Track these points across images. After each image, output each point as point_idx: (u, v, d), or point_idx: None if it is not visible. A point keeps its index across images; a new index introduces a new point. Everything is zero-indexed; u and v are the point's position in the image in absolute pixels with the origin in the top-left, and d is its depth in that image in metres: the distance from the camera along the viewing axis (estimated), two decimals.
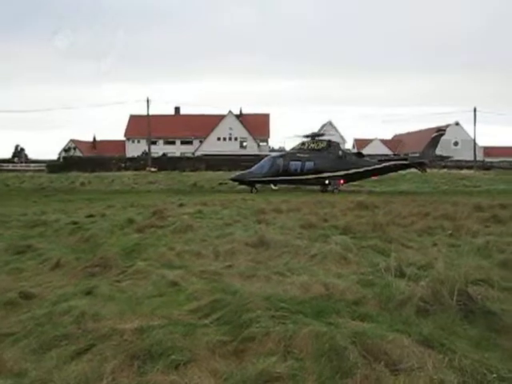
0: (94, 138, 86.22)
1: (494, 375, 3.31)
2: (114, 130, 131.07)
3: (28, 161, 74.17)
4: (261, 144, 79.65)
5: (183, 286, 5.93)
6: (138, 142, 78.62)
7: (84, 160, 64.37)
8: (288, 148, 34.65)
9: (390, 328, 4.07)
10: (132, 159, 65.55)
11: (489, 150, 79.29)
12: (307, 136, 29.67)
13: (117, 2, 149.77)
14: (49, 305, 5.18)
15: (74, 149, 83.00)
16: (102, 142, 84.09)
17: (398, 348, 3.67)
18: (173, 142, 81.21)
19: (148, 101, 60.21)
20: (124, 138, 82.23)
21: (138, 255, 7.96)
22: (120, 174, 44.48)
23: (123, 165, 59.91)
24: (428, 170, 33.47)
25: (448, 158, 35.37)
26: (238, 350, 3.90)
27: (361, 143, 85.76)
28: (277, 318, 4.22)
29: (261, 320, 4.17)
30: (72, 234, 10.35)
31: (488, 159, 71.12)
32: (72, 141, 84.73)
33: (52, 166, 59.71)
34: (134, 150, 76.57)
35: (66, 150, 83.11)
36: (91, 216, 13.45)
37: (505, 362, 3.58)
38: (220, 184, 32.61)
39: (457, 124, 79.37)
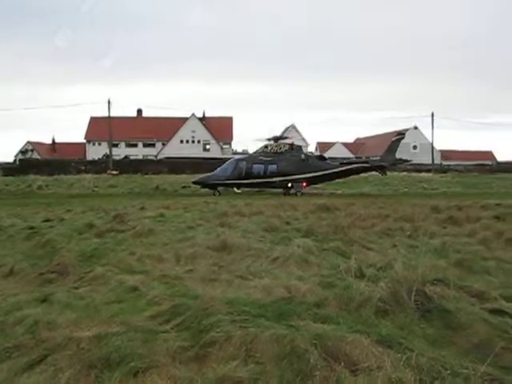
0: (53, 140, 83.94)
1: (449, 371, 3.40)
2: (75, 132, 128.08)
3: None
4: (224, 147, 79.51)
5: (143, 292, 5.82)
6: (99, 144, 77.03)
7: (42, 163, 62.38)
8: (251, 151, 34.74)
9: (349, 329, 4.11)
10: (93, 162, 64.16)
11: (446, 154, 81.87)
12: (270, 139, 29.83)
13: (78, 3, 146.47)
14: (1, 314, 4.97)
15: (32, 151, 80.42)
16: (61, 144, 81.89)
17: (357, 348, 3.71)
18: (135, 145, 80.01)
19: (109, 102, 59.20)
20: (84, 141, 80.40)
21: (97, 260, 7.78)
22: (80, 178, 43.40)
23: (83, 168, 58.53)
24: (388, 173, 34.25)
25: (407, 161, 36.22)
26: (198, 355, 3.85)
27: (323, 146, 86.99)
28: (238, 322, 4.20)
29: (222, 324, 4.14)
30: (28, 240, 10.01)
31: (445, 162, 73.45)
32: (29, 143, 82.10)
33: (7, 169, 57.52)
34: (95, 152, 74.97)
35: (23, 152, 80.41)
36: (49, 220, 13.05)
37: (459, 359, 3.68)
38: (183, 187, 32.31)
39: (415, 128, 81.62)
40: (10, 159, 74.28)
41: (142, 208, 16.12)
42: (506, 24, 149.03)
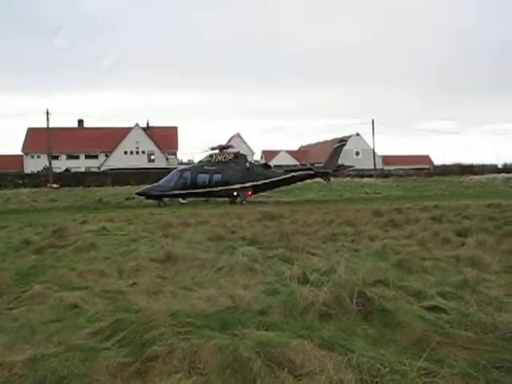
0: None
1: (387, 369, 3.51)
2: (10, 144, 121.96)
3: None
4: (169, 157, 78.54)
5: (84, 308, 5.62)
6: (38, 156, 73.92)
7: None
8: (196, 161, 34.54)
9: (293, 335, 4.15)
10: (31, 175, 61.50)
11: (387, 159, 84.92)
12: (214, 148, 29.79)
13: (16, 10, 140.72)
14: None
15: None
16: None
17: (300, 353, 3.75)
18: (77, 157, 77.48)
19: (48, 113, 57.04)
20: (22, 153, 76.98)
21: (34, 278, 7.43)
22: (17, 192, 41.47)
23: (21, 181, 55.94)
24: (332, 179, 35.09)
25: (350, 167, 37.24)
26: (140, 370, 3.76)
27: (268, 155, 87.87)
28: (181, 334, 4.14)
29: (165, 337, 4.06)
30: None
31: (386, 167, 76.17)
32: None
33: None
34: (34, 165, 71.91)
35: None
36: None
37: (397, 356, 3.80)
38: (127, 199, 31.61)
39: (357, 135, 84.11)
40: None
41: (84, 222, 15.63)
42: (443, 29, 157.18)
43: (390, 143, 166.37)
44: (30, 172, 66.31)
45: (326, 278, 6.22)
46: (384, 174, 64.76)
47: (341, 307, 4.98)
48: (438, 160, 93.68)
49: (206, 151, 30.27)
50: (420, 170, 72.38)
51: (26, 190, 43.89)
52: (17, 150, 77.62)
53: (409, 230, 11.59)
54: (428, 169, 75.92)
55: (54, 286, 6.85)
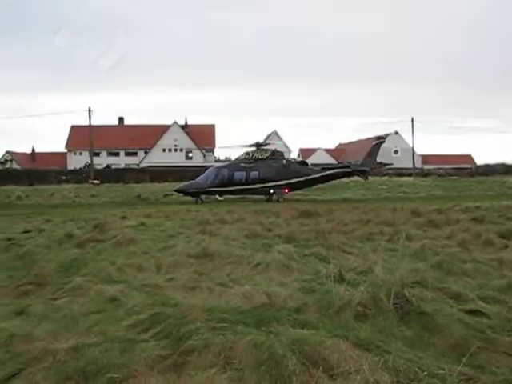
0: (33, 150, 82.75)
1: (425, 373, 3.44)
2: (55, 142, 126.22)
3: None
4: (206, 154, 79.40)
5: (123, 301, 5.75)
6: (80, 153, 76.24)
7: (21, 173, 61.45)
8: (233, 158, 34.73)
9: (328, 334, 4.13)
10: (74, 172, 63.48)
11: (427, 158, 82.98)
12: (252, 145, 29.87)
13: (58, 13, 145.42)
14: None
15: (11, 161, 79.15)
16: (41, 153, 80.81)
17: (335, 353, 3.73)
18: (117, 154, 79.39)
19: (90, 111, 58.69)
20: (65, 150, 79.51)
21: (76, 271, 7.68)
22: (60, 188, 42.87)
23: (64, 177, 57.84)
24: (370, 178, 34.55)
25: (388, 164, 36.60)
26: (177, 363, 3.82)
27: (306, 153, 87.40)
28: (217, 330, 4.19)
29: (200, 332, 4.12)
30: (6, 251, 9.86)
31: (426, 167, 74.46)
32: (8, 152, 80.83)
33: None
34: (76, 162, 74.17)
35: (2, 162, 79.10)
36: (28, 231, 12.87)
37: (436, 360, 3.72)
38: (165, 196, 32.15)
39: (396, 133, 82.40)
40: None
41: (123, 217, 15.99)
42: (483, 27, 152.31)
43: (430, 142, 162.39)
44: (72, 168, 68.37)
45: (362, 277, 6.16)
46: (423, 174, 63.36)
47: (377, 307, 4.91)
48: (481, 159, 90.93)
49: (242, 147, 30.42)
50: (461, 169, 70.38)
51: (69, 186, 45.38)
52: (61, 147, 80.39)
53: (449, 230, 11.30)
54: (470, 168, 73.71)
55: (94, 278, 7.04)
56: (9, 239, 11.28)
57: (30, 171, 62.84)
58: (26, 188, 42.47)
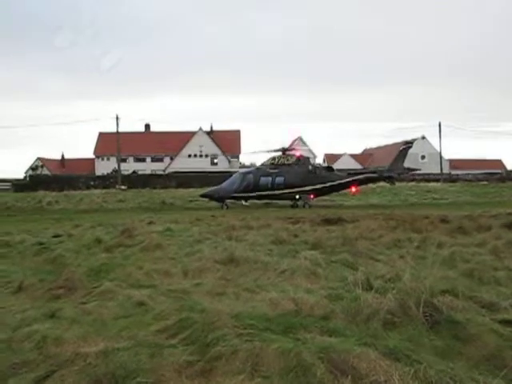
0: (63, 156, 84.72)
1: None
2: (84, 148, 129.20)
3: None
4: (232, 160, 79.76)
5: (150, 306, 5.81)
6: (108, 159, 77.59)
7: (51, 179, 62.93)
8: (258, 164, 34.76)
9: (357, 342, 4.08)
10: (101, 177, 64.59)
11: (455, 163, 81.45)
12: (277, 150, 29.84)
13: (87, 20, 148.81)
14: (9, 330, 4.98)
15: (42, 167, 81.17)
16: (70, 160, 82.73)
17: (364, 362, 3.68)
18: (143, 160, 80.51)
19: (117, 118, 59.71)
20: (93, 156, 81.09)
21: (105, 275, 7.80)
22: (89, 193, 43.69)
23: (92, 183, 58.93)
24: (397, 183, 34.11)
25: (416, 169, 36.06)
26: (204, 369, 3.83)
27: (331, 158, 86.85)
28: (244, 336, 4.18)
29: (228, 338, 4.12)
30: (37, 255, 10.08)
31: (454, 172, 73.03)
32: (39, 159, 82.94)
33: (18, 185, 58.20)
34: (104, 167, 75.49)
35: (34, 168, 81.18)
36: (58, 236, 13.14)
37: (468, 371, 3.63)
38: (190, 201, 32.40)
39: (423, 138, 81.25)
40: (21, 176, 75.08)
41: (150, 222, 16.19)
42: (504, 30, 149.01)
43: (459, 147, 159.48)
44: (100, 174, 69.62)
45: (390, 285, 6.06)
46: (451, 179, 62.13)
47: (406, 316, 4.82)
48: None
49: (267, 152, 30.42)
50: (491, 174, 68.68)
51: (97, 191, 46.18)
52: (89, 153, 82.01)
53: (479, 237, 11.03)
54: (500, 173, 71.92)
55: (122, 283, 7.13)
56: (40, 243, 11.54)
57: (60, 177, 64.36)
58: (56, 193, 43.42)
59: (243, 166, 69.07)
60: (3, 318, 5.52)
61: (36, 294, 6.74)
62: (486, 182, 56.52)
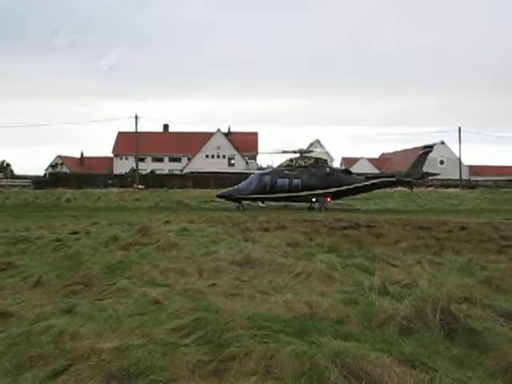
0: (82, 155, 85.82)
1: None
2: (102, 147, 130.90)
3: (14, 177, 73.23)
4: (249, 161, 79.88)
5: (165, 305, 5.85)
6: (126, 158, 78.33)
7: (70, 176, 63.83)
8: (276, 165, 34.71)
9: (371, 347, 4.04)
10: (119, 176, 65.19)
11: (475, 169, 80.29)
12: (295, 151, 29.74)
13: (108, 21, 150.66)
14: (26, 324, 5.07)
15: (62, 165, 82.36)
16: (89, 158, 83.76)
17: (379, 367, 3.64)
18: (161, 159, 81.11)
19: (136, 117, 60.17)
20: (112, 155, 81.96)
21: (121, 273, 7.86)
22: (107, 191, 44.13)
23: (110, 181, 59.52)
24: (414, 188, 33.73)
25: (435, 174, 35.54)
26: (218, 369, 3.84)
27: (348, 162, 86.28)
28: (258, 337, 4.18)
29: (242, 339, 4.13)
30: (55, 251, 10.21)
31: (474, 178, 71.96)
32: (59, 157, 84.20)
33: (38, 182, 59.12)
34: (122, 166, 76.24)
35: (53, 166, 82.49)
36: (76, 233, 13.30)
37: (485, 381, 3.57)
38: (207, 201, 32.51)
39: (442, 143, 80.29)
40: (41, 173, 76.33)
41: (166, 222, 16.28)
42: None
43: (479, 153, 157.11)
44: (118, 173, 70.32)
45: (406, 290, 5.99)
46: (471, 185, 61.20)
47: (422, 323, 4.76)
48: None
49: (285, 153, 30.33)
50: None
51: (115, 190, 46.58)
52: (108, 152, 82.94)
53: (498, 245, 10.86)
54: None
55: (138, 281, 7.20)
56: (58, 240, 11.70)
57: (79, 175, 65.25)
58: (75, 191, 43.96)
59: (260, 168, 69.11)
60: (22, 312, 5.61)
61: (53, 289, 6.83)
62: (507, 189, 55.53)
